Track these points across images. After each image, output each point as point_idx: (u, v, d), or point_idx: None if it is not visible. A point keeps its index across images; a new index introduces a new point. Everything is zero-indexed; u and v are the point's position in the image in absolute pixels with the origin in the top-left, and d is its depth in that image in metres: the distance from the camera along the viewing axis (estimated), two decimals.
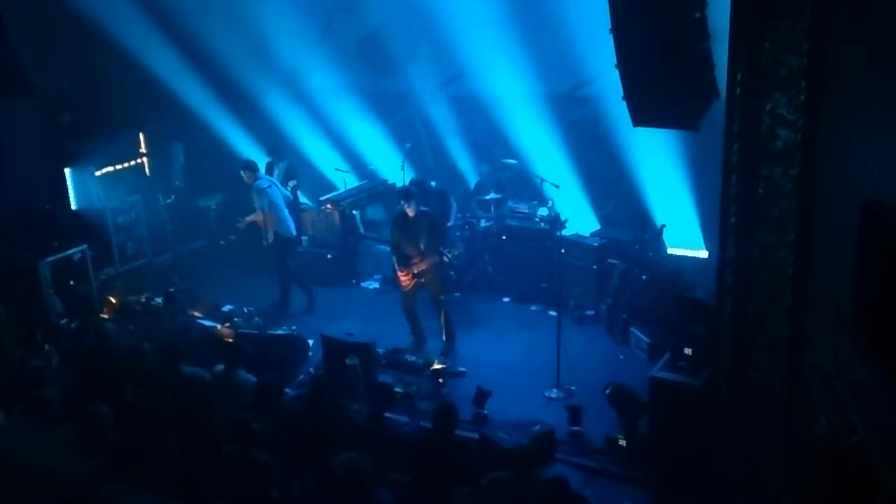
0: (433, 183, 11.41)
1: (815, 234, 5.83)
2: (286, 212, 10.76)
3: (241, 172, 10.57)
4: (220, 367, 7.74)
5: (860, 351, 4.09)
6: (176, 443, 6.42)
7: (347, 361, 8.29)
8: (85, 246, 10.73)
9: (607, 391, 7.71)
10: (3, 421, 6.51)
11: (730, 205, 6.18)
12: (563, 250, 9.77)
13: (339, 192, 12.62)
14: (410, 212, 9.37)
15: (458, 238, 11.02)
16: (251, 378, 7.47)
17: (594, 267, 10.26)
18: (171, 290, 10.11)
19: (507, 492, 5.83)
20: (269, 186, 10.58)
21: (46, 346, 8.48)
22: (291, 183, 11.57)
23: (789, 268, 5.94)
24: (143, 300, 10.42)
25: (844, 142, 5.27)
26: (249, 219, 10.73)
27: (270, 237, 10.56)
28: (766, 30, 5.70)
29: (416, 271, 9.43)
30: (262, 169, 11.12)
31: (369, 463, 5.48)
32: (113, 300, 10.50)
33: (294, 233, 10.92)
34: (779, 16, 5.62)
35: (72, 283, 10.39)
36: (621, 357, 9.45)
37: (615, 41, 6.12)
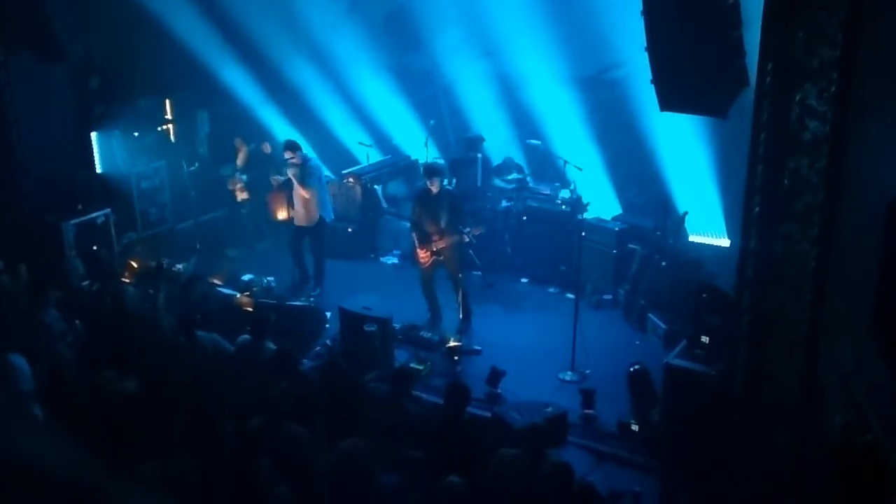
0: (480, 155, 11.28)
1: (839, 230, 5.76)
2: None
3: (286, 153, 10.31)
4: (245, 337, 7.80)
5: (879, 350, 4.05)
6: (191, 412, 6.47)
7: (366, 327, 8.34)
8: (108, 210, 10.82)
9: (632, 369, 7.69)
10: (28, 370, 6.61)
11: (754, 195, 6.11)
12: (583, 233, 9.74)
13: (362, 165, 12.62)
14: (434, 188, 9.36)
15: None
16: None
17: (614, 251, 10.22)
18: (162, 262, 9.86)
19: (516, 469, 5.86)
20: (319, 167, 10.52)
21: (65, 308, 8.58)
22: None
23: (811, 262, 5.88)
24: (164, 266, 10.50)
25: (873, 137, 5.19)
26: (304, 194, 10.34)
27: (313, 219, 10.44)
28: (800, 19, 5.60)
29: (435, 249, 9.44)
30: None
31: (371, 449, 5.50)
32: (134, 265, 10.62)
33: (333, 215, 10.90)
34: (814, 6, 5.52)
35: (95, 247, 10.48)
36: (637, 343, 9.43)
37: (646, 24, 6.06)
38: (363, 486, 5.36)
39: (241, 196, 11.95)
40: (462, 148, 11.26)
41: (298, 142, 10.65)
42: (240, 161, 11.88)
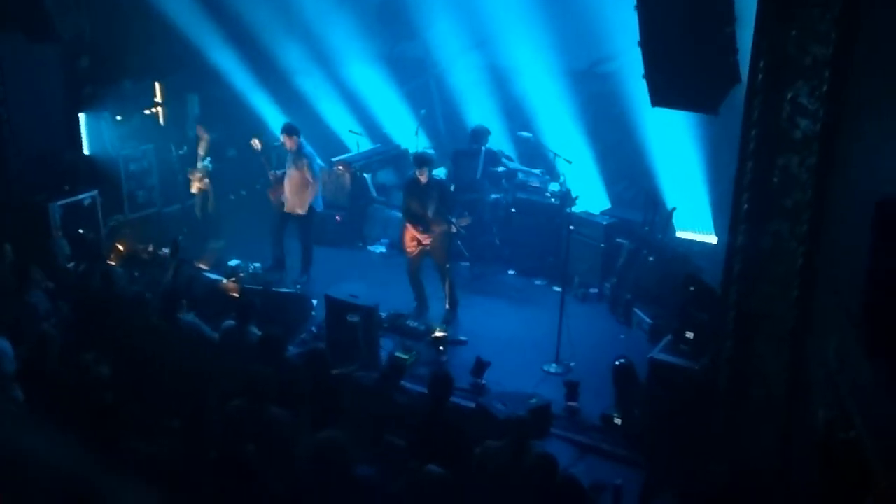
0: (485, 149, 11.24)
1: (828, 227, 5.79)
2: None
3: (283, 136, 10.15)
4: (230, 322, 7.77)
5: (866, 348, 4.07)
6: (177, 395, 6.45)
7: (349, 318, 8.34)
8: (96, 191, 10.74)
9: (617, 363, 7.71)
10: (10, 352, 6.56)
11: (743, 192, 6.14)
12: (571, 227, 9.75)
13: (352, 153, 12.58)
14: (423, 178, 9.35)
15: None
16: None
17: (601, 245, 10.24)
18: (179, 238, 9.80)
19: (499, 460, 5.87)
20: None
21: (49, 287, 8.52)
22: None
23: (799, 259, 5.91)
24: (151, 249, 10.45)
25: (864, 135, 5.22)
26: (308, 196, 10.27)
27: (304, 208, 10.32)
28: (794, 17, 5.62)
29: (424, 240, 9.45)
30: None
31: (350, 439, 5.50)
32: (121, 247, 10.55)
33: (322, 206, 10.78)
34: (808, 4, 5.54)
35: (81, 231, 10.40)
36: (622, 337, 9.46)
37: (639, 18, 6.07)
38: (341, 476, 5.36)
39: (199, 186, 11.50)
40: (467, 139, 11.22)
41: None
42: (201, 149, 11.62)
